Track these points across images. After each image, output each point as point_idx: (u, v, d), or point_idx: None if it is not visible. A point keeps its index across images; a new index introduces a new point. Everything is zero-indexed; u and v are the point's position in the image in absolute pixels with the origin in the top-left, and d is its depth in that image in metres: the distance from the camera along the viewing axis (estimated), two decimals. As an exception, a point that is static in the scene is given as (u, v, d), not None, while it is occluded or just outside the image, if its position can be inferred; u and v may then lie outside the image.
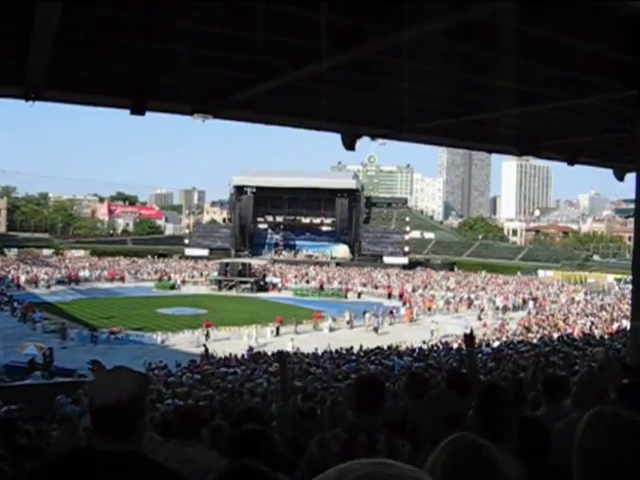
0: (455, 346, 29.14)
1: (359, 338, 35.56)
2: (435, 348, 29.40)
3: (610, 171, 16.05)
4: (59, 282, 59.49)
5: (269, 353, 29.20)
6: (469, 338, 6.05)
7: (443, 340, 34.78)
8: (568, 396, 4.74)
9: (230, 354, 29.44)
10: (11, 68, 8.21)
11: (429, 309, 50.29)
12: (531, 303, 52.23)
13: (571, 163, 14.82)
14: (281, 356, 6.12)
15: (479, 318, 46.59)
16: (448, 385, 5.17)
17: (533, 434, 3.49)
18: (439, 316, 47.57)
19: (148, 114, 9.45)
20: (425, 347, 30.25)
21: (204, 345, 32.42)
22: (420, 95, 8.93)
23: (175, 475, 2.29)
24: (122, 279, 64.30)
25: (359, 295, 58.32)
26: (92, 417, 2.30)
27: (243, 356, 29.29)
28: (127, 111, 9.21)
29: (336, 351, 29.08)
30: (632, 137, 8.90)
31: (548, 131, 12.25)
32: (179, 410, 4.80)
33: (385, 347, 29.83)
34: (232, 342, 35.23)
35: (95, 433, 2.29)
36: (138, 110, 9.09)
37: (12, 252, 75.25)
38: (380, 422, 3.79)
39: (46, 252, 78.13)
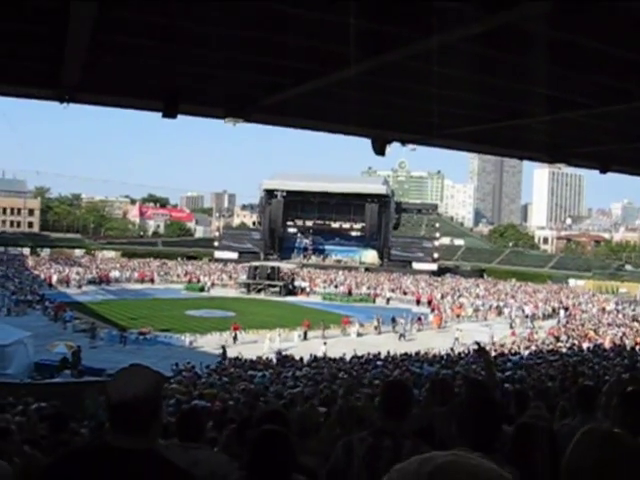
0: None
1: (386, 344, 35.47)
2: (463, 355, 29.22)
3: (643, 180, 15.85)
4: (90, 282, 60.22)
5: (297, 357, 29.27)
6: (480, 351, 5.90)
7: (472, 348, 34.53)
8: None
9: (259, 357, 29.59)
10: (46, 71, 8.34)
11: (458, 316, 50.01)
12: (562, 312, 51.67)
13: (603, 171, 14.63)
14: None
15: (510, 327, 46.18)
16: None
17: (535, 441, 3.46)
18: (467, 324, 47.30)
19: (180, 117, 9.54)
20: (452, 354, 30.07)
21: (223, 347, 32.62)
22: (450, 101, 8.89)
23: (190, 477, 2.31)
24: (152, 280, 64.88)
25: (388, 301, 58.24)
26: (109, 413, 2.34)
27: (270, 359, 29.35)
28: (159, 114, 9.31)
29: (362, 356, 29.04)
30: (665, 145, 8.80)
31: (579, 138, 12.12)
32: (181, 412, 4.82)
33: (413, 354, 29.72)
34: (258, 345, 35.37)
35: (111, 430, 2.33)
36: (170, 113, 9.16)
37: (45, 252, 76.32)
38: (406, 427, 3.79)
39: (78, 252, 79.15)
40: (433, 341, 38.09)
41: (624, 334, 39.08)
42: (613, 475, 1.50)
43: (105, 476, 2.13)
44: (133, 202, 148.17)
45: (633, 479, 1.50)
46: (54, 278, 58.61)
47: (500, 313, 52.40)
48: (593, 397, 5.02)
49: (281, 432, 3.09)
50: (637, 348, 28.70)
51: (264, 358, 29.38)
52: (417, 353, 30.45)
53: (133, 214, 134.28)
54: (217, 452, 4.17)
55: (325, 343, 35.12)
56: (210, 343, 35.94)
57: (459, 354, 30.10)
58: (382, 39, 6.57)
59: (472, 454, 0.95)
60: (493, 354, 30.87)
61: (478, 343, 6.54)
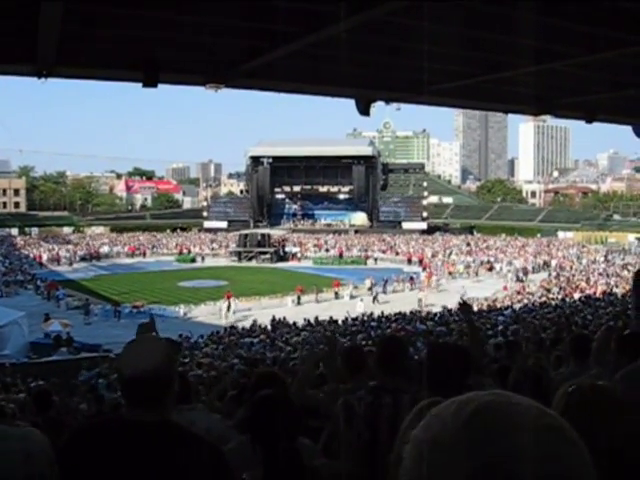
0: (476, 309, 29.10)
1: (399, 301, 35.79)
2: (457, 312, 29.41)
3: (629, 129, 15.79)
4: (81, 259, 60.04)
5: (291, 322, 29.38)
6: (464, 307, 5.41)
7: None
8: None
9: (255, 323, 29.73)
10: (21, 45, 8.17)
11: (450, 274, 50.27)
12: (553, 263, 52.11)
13: (589, 121, 14.58)
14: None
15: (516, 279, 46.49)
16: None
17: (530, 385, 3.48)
18: (460, 280, 47.57)
19: (161, 86, 9.40)
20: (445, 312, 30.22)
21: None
22: (435, 56, 8.77)
23: (208, 446, 2.27)
24: (143, 254, 64.73)
25: (375, 261, 59.03)
26: (121, 389, 2.33)
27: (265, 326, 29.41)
28: (139, 84, 9.16)
29: (356, 318, 29.16)
30: (653, 91, 8.75)
31: (565, 89, 12.05)
32: None
33: (408, 313, 29.92)
34: (252, 312, 35.48)
35: (125, 404, 2.30)
36: (150, 82, 9.01)
37: (33, 231, 75.92)
38: (405, 382, 3.76)
39: (66, 230, 78.75)
40: (427, 299, 38.15)
41: (615, 283, 39.41)
42: (604, 427, 1.50)
43: (124, 450, 2.10)
44: (119, 176, 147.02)
45: (624, 434, 1.49)
46: (44, 257, 58.39)
47: (491, 269, 52.67)
48: (585, 345, 5.04)
49: (281, 395, 3.06)
50: (627, 296, 28.92)
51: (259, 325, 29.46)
52: (411, 312, 30.61)
53: (120, 188, 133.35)
54: (209, 412, 4.18)
55: (362, 300, 36.92)
56: (204, 313, 36.03)
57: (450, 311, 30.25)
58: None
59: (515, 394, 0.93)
60: (485, 309, 31.11)
61: (463, 299, 6.44)
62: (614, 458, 1.47)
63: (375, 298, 39.56)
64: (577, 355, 5.00)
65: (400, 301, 37.93)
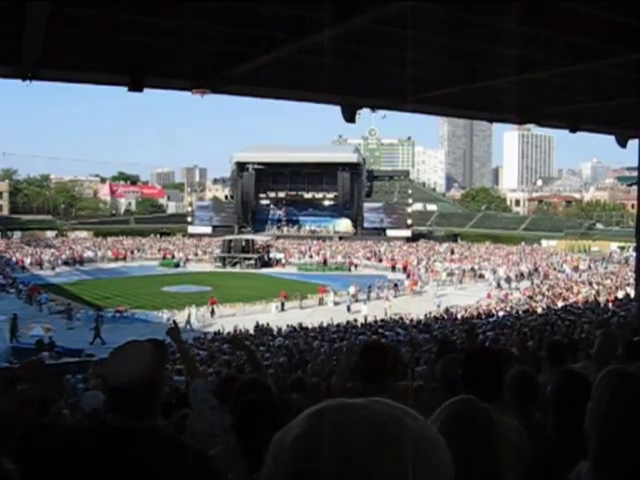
0: (459, 317, 29.22)
1: (363, 311, 35.76)
2: (440, 319, 29.50)
3: (612, 138, 15.95)
4: (63, 263, 59.58)
5: (274, 328, 29.33)
6: (469, 332, 5.98)
7: (451, 311, 34.80)
8: (575, 361, 4.77)
9: (236, 329, 29.64)
10: (6, 47, 8.13)
11: (433, 281, 50.38)
12: (537, 271, 52.44)
13: (573, 130, 14.70)
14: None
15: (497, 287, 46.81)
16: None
17: (523, 388, 3.49)
18: (444, 288, 47.67)
19: (146, 91, 9.38)
20: (429, 319, 30.30)
21: (174, 321, 32.60)
22: (420, 65, 8.84)
23: (193, 452, 2.26)
24: (125, 258, 64.37)
25: (355, 266, 59.70)
26: (107, 396, 2.31)
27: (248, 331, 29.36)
28: (125, 88, 9.13)
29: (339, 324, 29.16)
30: (635, 102, 8.83)
31: (549, 98, 12.16)
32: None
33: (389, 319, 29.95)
34: (236, 318, 35.32)
35: (111, 411, 2.29)
36: (136, 87, 9.00)
37: (16, 235, 75.31)
38: (388, 388, 3.75)
39: (49, 234, 78.12)
40: (410, 306, 38.20)
41: (597, 291, 39.67)
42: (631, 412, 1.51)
43: (108, 456, 2.08)
44: (103, 181, 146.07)
45: None
46: (27, 261, 57.85)
47: (475, 276, 52.86)
48: (562, 352, 5.10)
49: (266, 401, 3.07)
50: (610, 305, 29.11)
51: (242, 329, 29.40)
52: (393, 319, 30.64)
53: (104, 193, 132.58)
54: (225, 413, 4.17)
55: (365, 302, 37.92)
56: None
57: (435, 318, 30.33)
58: (351, 3, 6.48)
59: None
60: (468, 316, 31.20)
61: (469, 326, 6.63)
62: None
63: (348, 308, 38.66)
64: (553, 361, 5.05)
65: (380, 308, 37.97)
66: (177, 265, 61.09)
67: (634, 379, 1.59)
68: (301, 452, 0.86)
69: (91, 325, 32.78)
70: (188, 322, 34.15)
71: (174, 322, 5.50)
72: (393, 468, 0.86)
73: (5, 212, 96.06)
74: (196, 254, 66.54)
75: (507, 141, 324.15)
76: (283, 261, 62.91)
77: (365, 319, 30.60)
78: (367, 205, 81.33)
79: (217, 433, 3.60)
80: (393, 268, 57.60)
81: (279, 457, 0.89)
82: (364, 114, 12.13)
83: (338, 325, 28.84)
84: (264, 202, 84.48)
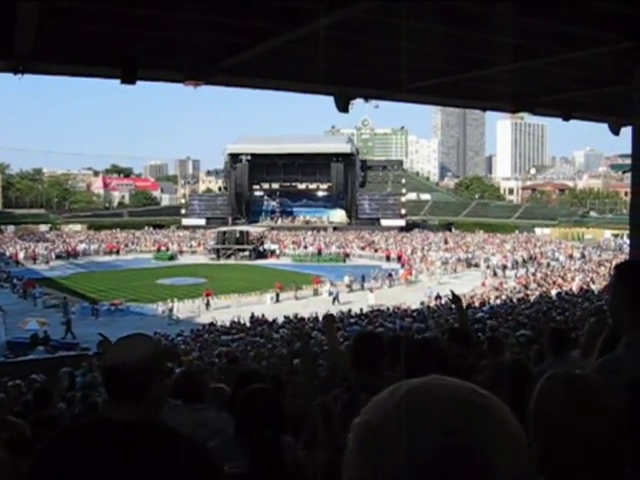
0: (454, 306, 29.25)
1: (359, 301, 35.78)
2: (435, 308, 29.57)
3: (605, 126, 15.94)
4: (58, 257, 59.46)
5: (270, 319, 29.35)
6: (454, 299, 6.40)
7: (443, 301, 34.85)
8: (574, 348, 4.78)
9: (235, 321, 29.66)
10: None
11: (428, 270, 50.46)
12: (531, 259, 52.61)
13: (566, 119, 14.69)
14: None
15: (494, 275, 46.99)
16: (450, 339, 5.22)
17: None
18: (438, 277, 47.73)
19: (139, 83, 9.33)
20: (424, 308, 30.38)
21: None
22: (413, 54, 8.80)
23: (192, 443, 2.26)
24: (119, 251, 64.25)
25: (347, 256, 60.16)
26: (103, 380, 2.34)
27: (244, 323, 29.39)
28: (117, 81, 9.08)
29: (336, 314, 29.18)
30: (628, 90, 8.81)
31: (542, 86, 12.14)
32: (184, 374, 4.80)
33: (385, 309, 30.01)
34: (231, 310, 35.33)
35: (107, 398, 2.31)
36: (129, 79, 8.94)
37: (9, 229, 75.09)
38: (383, 379, 3.75)
39: (43, 228, 77.95)
40: (404, 295, 38.25)
41: (591, 279, 39.80)
42: (576, 418, 1.51)
43: (106, 450, 2.08)
44: (96, 174, 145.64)
45: (597, 422, 1.50)
46: (20, 255, 57.73)
47: (469, 265, 52.97)
48: (562, 338, 5.11)
49: (266, 391, 3.07)
50: (604, 293, 29.23)
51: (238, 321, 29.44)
52: (389, 309, 30.70)
53: (97, 186, 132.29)
54: (221, 412, 4.15)
55: (372, 291, 38.52)
56: (183, 310, 35.86)
57: (429, 307, 30.40)
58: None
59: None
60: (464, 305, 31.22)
61: (452, 292, 6.69)
62: (587, 444, 1.49)
63: (335, 299, 38.15)
64: (555, 349, 5.05)
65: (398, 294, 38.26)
66: (171, 257, 61.05)
67: (578, 382, 1.59)
68: (404, 429, 0.87)
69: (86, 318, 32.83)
70: (170, 316, 34.33)
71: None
72: (499, 435, 0.88)
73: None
74: (190, 246, 66.47)
75: (500, 130, 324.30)
76: (277, 252, 62.91)
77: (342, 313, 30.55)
78: (361, 195, 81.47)
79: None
80: (387, 258, 57.71)
81: (369, 439, 0.89)
82: (357, 104, 12.08)
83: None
84: (258, 193, 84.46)
